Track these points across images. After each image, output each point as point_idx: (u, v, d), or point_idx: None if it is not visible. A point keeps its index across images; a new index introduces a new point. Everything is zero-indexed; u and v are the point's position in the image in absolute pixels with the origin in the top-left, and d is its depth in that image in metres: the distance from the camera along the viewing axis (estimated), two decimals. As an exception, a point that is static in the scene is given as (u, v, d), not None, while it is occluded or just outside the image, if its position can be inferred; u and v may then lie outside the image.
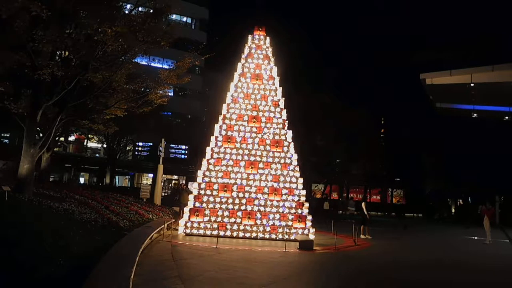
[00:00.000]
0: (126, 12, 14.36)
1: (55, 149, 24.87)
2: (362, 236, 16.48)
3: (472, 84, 21.82)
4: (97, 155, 40.16)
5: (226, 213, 14.14)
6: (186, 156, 43.12)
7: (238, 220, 14.12)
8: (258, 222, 14.16)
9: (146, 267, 8.22)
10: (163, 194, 27.03)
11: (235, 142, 15.61)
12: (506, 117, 28.04)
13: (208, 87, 43.03)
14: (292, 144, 15.93)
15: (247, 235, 13.90)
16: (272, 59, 17.02)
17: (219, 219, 14.07)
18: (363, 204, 17.86)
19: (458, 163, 39.02)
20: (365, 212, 17.44)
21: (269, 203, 14.56)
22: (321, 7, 65.49)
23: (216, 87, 30.46)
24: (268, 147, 15.65)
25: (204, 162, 15.30)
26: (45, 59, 12.34)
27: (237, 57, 17.46)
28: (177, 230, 14.17)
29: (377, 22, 57.77)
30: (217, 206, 14.31)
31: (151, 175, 39.98)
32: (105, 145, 34.17)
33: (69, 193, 14.79)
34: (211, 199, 14.41)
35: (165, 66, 37.49)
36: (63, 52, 13.96)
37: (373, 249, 14.01)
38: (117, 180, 39.12)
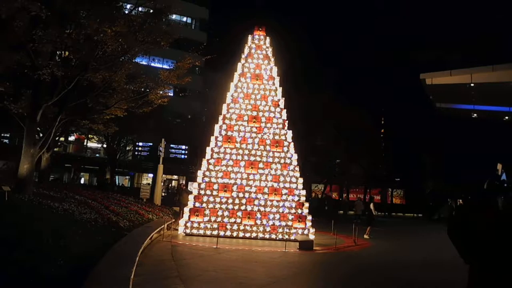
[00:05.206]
0: (126, 12, 14.36)
1: (55, 149, 24.87)
2: (366, 236, 16.49)
3: (472, 84, 21.77)
4: (97, 155, 40.14)
5: (226, 213, 14.14)
6: (186, 156, 43.08)
7: (238, 220, 14.11)
8: (258, 222, 14.16)
9: (146, 267, 8.23)
10: (163, 194, 27.01)
11: (235, 142, 15.60)
12: (506, 117, 27.96)
13: (208, 87, 43.01)
14: (292, 144, 15.92)
15: (247, 235, 13.89)
16: (272, 59, 17.01)
17: (219, 219, 14.06)
18: (371, 205, 17.83)
19: (458, 163, 39.00)
20: (374, 213, 17.51)
21: (269, 203, 14.56)
22: (321, 7, 65.49)
23: (216, 87, 30.44)
24: (268, 147, 15.65)
25: (204, 162, 15.29)
26: (45, 59, 12.34)
27: (237, 57, 17.48)
28: (177, 230, 14.17)
29: (377, 22, 57.67)
30: (217, 206, 14.31)
31: (151, 175, 39.96)
32: (105, 145, 34.13)
33: (69, 193, 14.79)
34: (211, 199, 14.40)
35: (165, 66, 37.46)
36: (63, 52, 13.97)
37: (373, 249, 14.01)
38: (117, 180, 39.09)
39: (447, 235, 2.17)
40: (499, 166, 18.91)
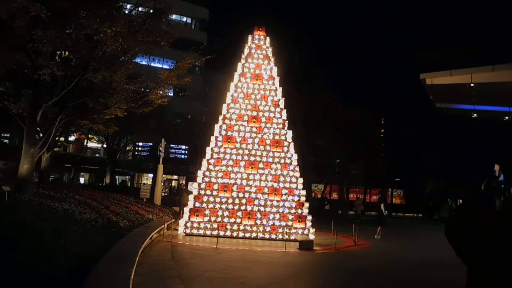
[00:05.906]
0: (126, 12, 14.37)
1: (55, 149, 24.87)
2: (376, 237, 16.45)
3: (472, 84, 21.75)
4: (97, 155, 40.13)
5: (226, 213, 14.14)
6: (186, 156, 43.05)
7: (238, 220, 14.12)
8: (258, 222, 14.16)
9: (146, 267, 8.23)
10: (163, 194, 27.02)
11: (235, 142, 15.60)
12: (506, 117, 27.95)
13: (208, 87, 43.00)
14: (292, 144, 15.92)
15: (247, 235, 13.90)
16: (272, 59, 17.00)
17: (219, 219, 14.06)
18: (382, 205, 17.75)
19: (458, 163, 39.01)
20: (384, 213, 17.47)
21: (269, 203, 14.56)
22: (321, 7, 65.57)
23: (216, 87, 30.43)
24: (268, 147, 15.65)
25: (204, 162, 15.29)
26: (45, 59, 12.35)
27: (237, 57, 17.47)
28: (177, 230, 14.17)
29: (377, 22, 57.78)
30: (217, 206, 14.31)
31: (151, 175, 39.93)
32: (105, 145, 34.14)
33: (69, 193, 14.80)
34: (211, 199, 14.41)
35: (165, 66, 37.44)
36: (63, 52, 13.98)
37: (373, 249, 14.01)
38: (117, 180, 39.10)
39: (444, 235, 2.17)
40: (497, 167, 18.92)
